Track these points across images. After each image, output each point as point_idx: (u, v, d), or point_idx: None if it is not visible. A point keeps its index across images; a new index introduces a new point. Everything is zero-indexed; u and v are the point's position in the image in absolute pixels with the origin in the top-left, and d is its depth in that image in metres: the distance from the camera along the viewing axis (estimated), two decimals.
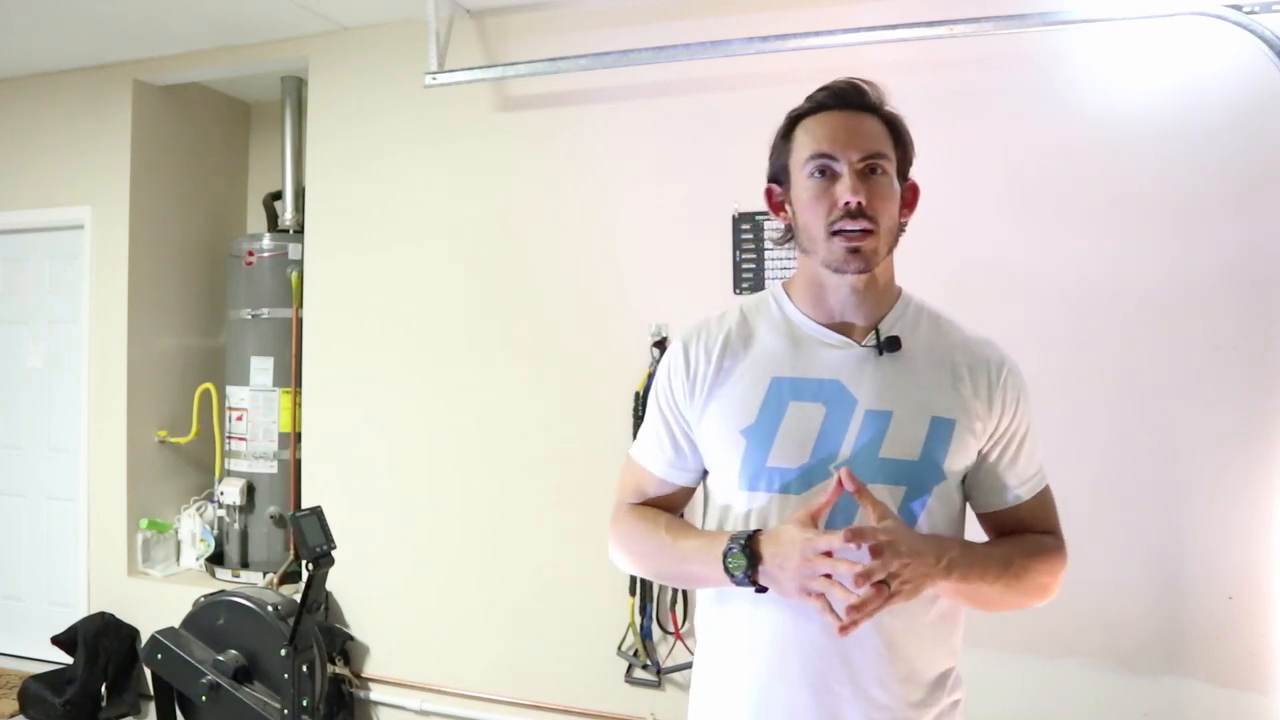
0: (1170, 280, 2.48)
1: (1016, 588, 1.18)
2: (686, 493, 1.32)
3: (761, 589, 1.12)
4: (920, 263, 2.57)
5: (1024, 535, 1.23)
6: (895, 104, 1.24)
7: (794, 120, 1.24)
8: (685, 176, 2.91)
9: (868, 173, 1.17)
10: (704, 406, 1.24)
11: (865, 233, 1.15)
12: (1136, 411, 2.51)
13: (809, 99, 1.23)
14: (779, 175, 1.26)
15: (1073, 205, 2.57)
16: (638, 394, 2.84)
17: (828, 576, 1.05)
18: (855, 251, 1.15)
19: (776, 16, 2.75)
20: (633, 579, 2.86)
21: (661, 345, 2.87)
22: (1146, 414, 2.50)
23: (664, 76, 2.91)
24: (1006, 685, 2.56)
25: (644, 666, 2.91)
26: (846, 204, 1.14)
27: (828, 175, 1.17)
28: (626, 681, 2.95)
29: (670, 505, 1.31)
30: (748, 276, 2.85)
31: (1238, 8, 2.31)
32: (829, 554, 1.06)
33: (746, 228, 2.85)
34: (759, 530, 1.14)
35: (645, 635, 2.90)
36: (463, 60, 3.13)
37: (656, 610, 2.91)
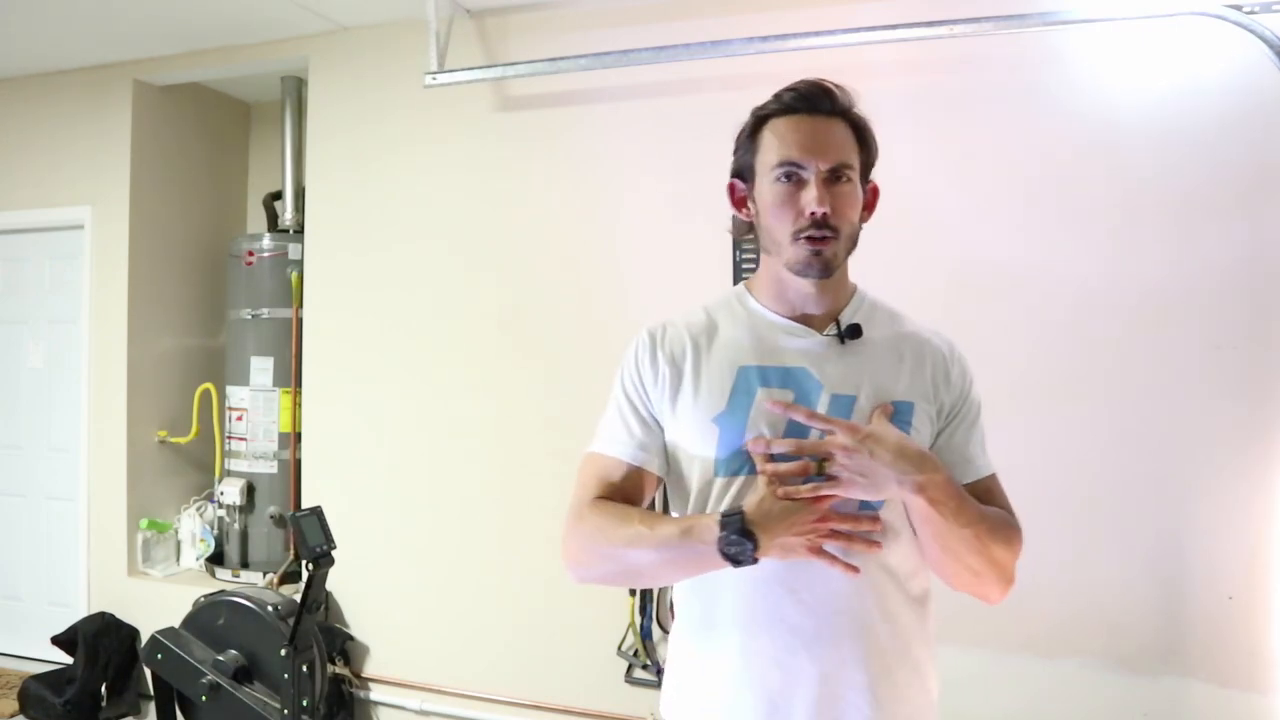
0: (1170, 280, 2.48)
1: (983, 549, 1.16)
2: (652, 480, 1.27)
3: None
4: (920, 263, 2.59)
5: (993, 506, 1.23)
6: (861, 106, 1.25)
7: (760, 119, 1.25)
8: (685, 176, 2.90)
9: (833, 180, 1.19)
10: (673, 399, 1.25)
11: (827, 239, 1.19)
12: (1136, 411, 2.51)
13: (777, 98, 1.24)
14: (743, 172, 1.28)
15: (1073, 205, 2.57)
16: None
17: (833, 531, 1.14)
18: (818, 255, 1.19)
19: (776, 16, 2.75)
20: None
21: None
22: (1146, 414, 2.50)
23: (664, 76, 2.91)
24: (1006, 685, 2.56)
25: (644, 666, 2.91)
26: (813, 214, 1.17)
27: (794, 181, 1.20)
28: (626, 681, 2.95)
29: (636, 494, 1.26)
30: (748, 276, 2.84)
31: (1238, 8, 2.31)
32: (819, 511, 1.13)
33: None
34: (741, 509, 1.13)
35: (645, 635, 2.90)
36: (463, 60, 3.13)
37: (656, 610, 2.91)
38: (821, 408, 1.20)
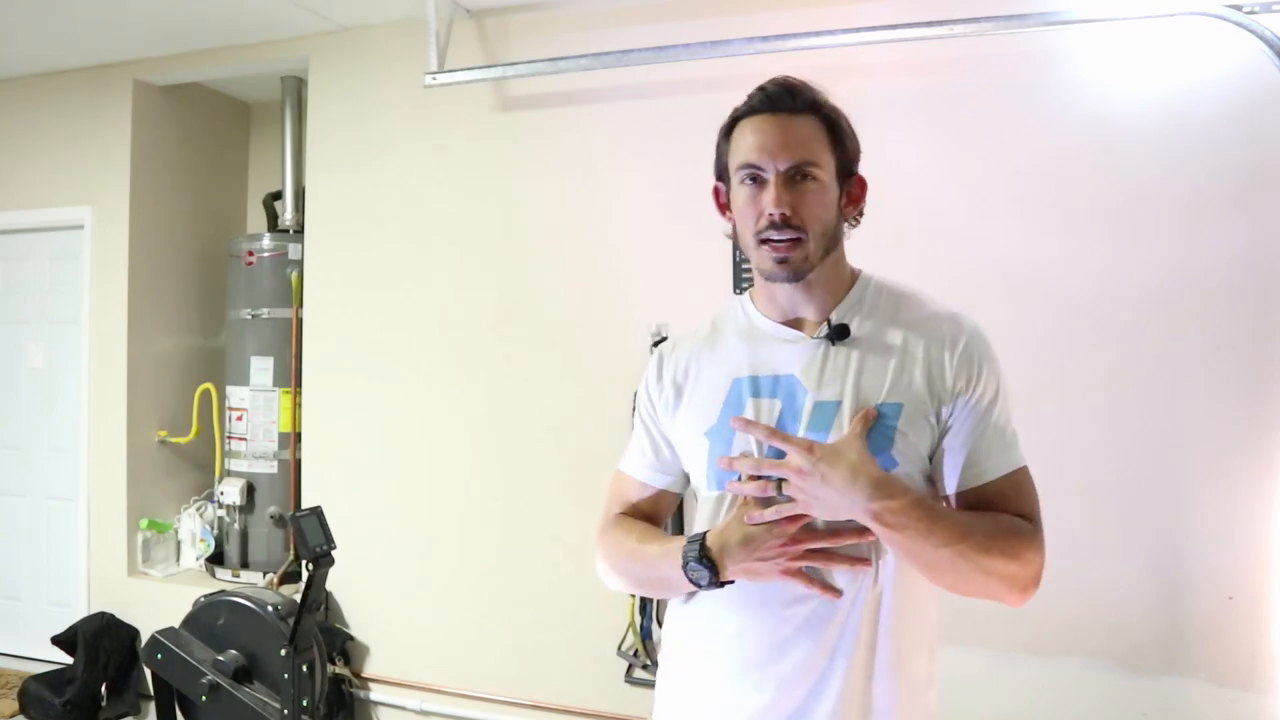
0: (1171, 280, 2.48)
1: (973, 564, 1.10)
2: (670, 498, 1.34)
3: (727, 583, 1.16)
4: (920, 263, 2.58)
5: (997, 514, 1.15)
6: (833, 100, 1.22)
7: (734, 120, 1.24)
8: (685, 176, 2.89)
9: (797, 179, 1.16)
10: (674, 416, 1.29)
11: (793, 242, 1.16)
12: (1137, 412, 2.51)
13: (747, 98, 1.23)
14: (723, 175, 1.26)
15: (1073, 206, 2.56)
16: (637, 394, 2.85)
17: (808, 551, 1.13)
18: (783, 262, 1.17)
19: (776, 16, 2.75)
20: None
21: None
22: (1147, 414, 2.50)
23: (664, 76, 2.91)
24: (1007, 685, 2.56)
25: (644, 666, 2.91)
26: (770, 215, 1.15)
27: (758, 183, 1.18)
28: (626, 681, 2.95)
29: (655, 512, 1.34)
30: (748, 276, 2.84)
31: (1238, 8, 2.31)
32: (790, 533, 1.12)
33: None
34: (705, 534, 1.16)
35: (645, 635, 2.90)
36: (463, 60, 3.12)
37: (656, 610, 2.91)
38: (805, 414, 1.17)
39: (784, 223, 1.15)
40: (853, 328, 1.20)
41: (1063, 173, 2.58)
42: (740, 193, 1.20)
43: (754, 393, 1.21)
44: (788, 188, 1.16)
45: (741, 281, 2.85)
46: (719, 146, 1.26)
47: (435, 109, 3.25)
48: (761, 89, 1.21)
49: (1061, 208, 2.57)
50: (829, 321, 1.21)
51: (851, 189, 1.23)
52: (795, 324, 1.24)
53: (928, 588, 1.21)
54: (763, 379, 1.21)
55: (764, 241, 1.17)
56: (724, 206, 1.28)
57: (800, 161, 1.16)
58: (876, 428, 1.15)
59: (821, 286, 1.22)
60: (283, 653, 2.50)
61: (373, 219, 3.39)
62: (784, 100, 1.19)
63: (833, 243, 1.21)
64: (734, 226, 1.27)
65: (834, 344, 1.20)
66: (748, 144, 1.19)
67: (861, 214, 1.26)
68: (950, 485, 1.19)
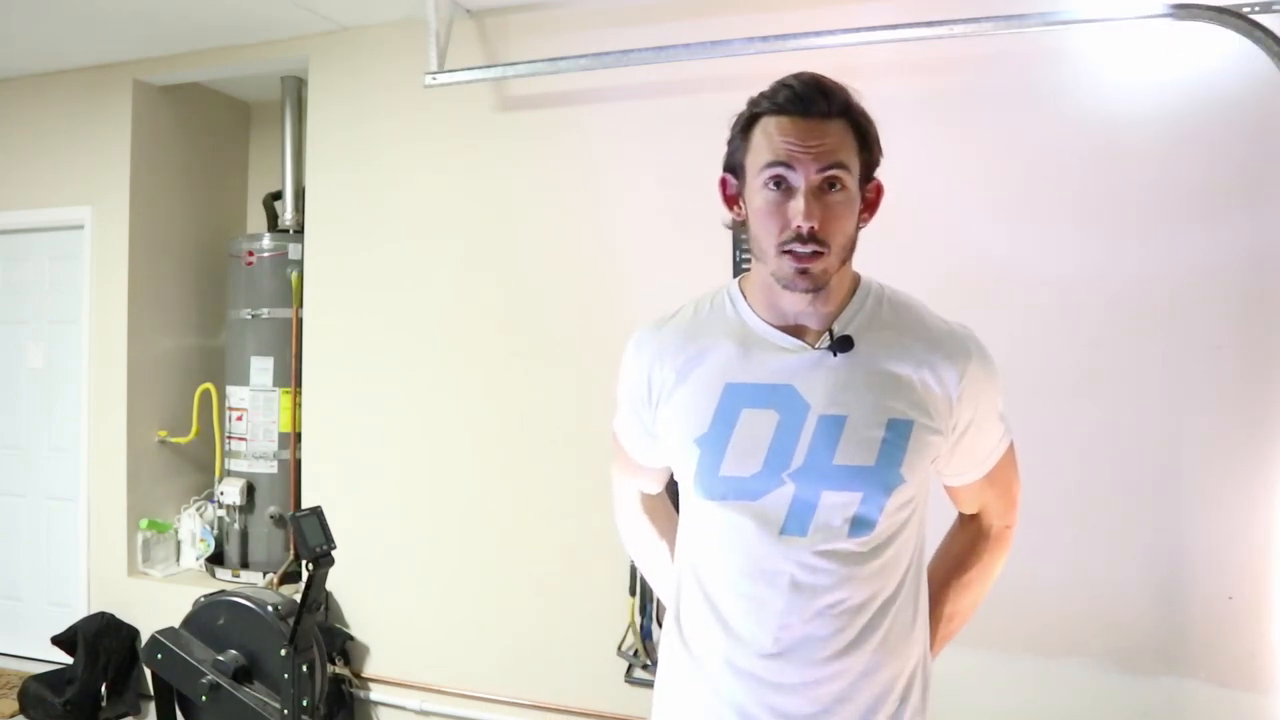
0: (1170, 280, 2.48)
1: (979, 601, 1.34)
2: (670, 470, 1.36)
3: None
4: (919, 263, 2.58)
5: (963, 562, 1.32)
6: (863, 102, 1.16)
7: (754, 115, 1.16)
8: (685, 176, 2.90)
9: (825, 187, 1.11)
10: (658, 409, 1.25)
11: (815, 255, 1.11)
12: (1137, 411, 2.51)
13: (772, 93, 1.15)
14: (734, 169, 1.20)
15: (1073, 205, 2.56)
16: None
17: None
18: (804, 273, 1.11)
19: (776, 16, 2.75)
20: (632, 579, 2.86)
21: None
22: (1147, 413, 2.50)
23: (664, 76, 2.91)
24: (1006, 685, 2.56)
25: (644, 666, 2.91)
26: (799, 228, 1.10)
27: (783, 188, 1.11)
28: (626, 681, 2.95)
29: (662, 478, 1.41)
30: (747, 271, 2.85)
31: (1238, 8, 2.31)
32: None
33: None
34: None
35: (645, 635, 2.90)
36: (463, 60, 3.12)
37: (656, 610, 2.91)
38: (808, 430, 1.13)
39: (811, 236, 1.10)
40: (856, 339, 1.16)
41: (1062, 173, 2.58)
42: (762, 196, 1.13)
43: (749, 402, 1.16)
44: (816, 198, 1.10)
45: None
46: (733, 140, 1.19)
47: (435, 109, 3.25)
48: (789, 86, 1.14)
49: (1061, 207, 2.57)
50: (831, 332, 1.17)
51: (868, 194, 1.18)
52: (793, 330, 1.18)
53: (889, 586, 1.19)
54: (757, 387, 1.16)
55: (786, 252, 1.11)
56: (731, 200, 1.21)
57: (833, 167, 1.11)
58: (886, 446, 1.12)
59: (827, 293, 1.17)
60: (283, 653, 2.50)
61: (373, 219, 3.39)
62: (818, 103, 1.12)
63: (847, 256, 1.17)
64: (737, 221, 1.22)
65: (835, 355, 1.15)
66: (776, 146, 1.12)
67: (867, 224, 1.21)
68: (952, 479, 1.25)
